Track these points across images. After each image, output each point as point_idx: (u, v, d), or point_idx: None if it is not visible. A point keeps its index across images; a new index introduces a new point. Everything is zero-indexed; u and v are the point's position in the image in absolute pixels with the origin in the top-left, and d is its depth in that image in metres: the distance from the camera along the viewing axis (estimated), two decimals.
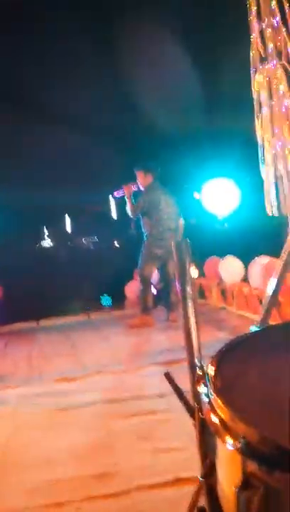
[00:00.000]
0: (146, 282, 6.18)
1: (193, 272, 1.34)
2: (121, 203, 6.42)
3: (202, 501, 1.27)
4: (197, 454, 2.66)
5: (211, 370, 0.97)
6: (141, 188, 6.18)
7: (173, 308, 6.19)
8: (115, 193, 6.32)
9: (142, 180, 6.17)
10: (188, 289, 1.27)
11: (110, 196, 10.16)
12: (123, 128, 9.05)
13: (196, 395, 1.19)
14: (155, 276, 6.73)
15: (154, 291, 7.14)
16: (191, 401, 1.23)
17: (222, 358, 1.04)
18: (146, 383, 3.95)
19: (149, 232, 6.10)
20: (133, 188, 6.20)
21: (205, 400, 0.94)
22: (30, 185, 9.43)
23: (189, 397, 1.31)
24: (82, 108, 8.76)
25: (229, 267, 6.77)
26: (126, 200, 6.18)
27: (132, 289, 7.19)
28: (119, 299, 7.64)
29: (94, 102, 8.71)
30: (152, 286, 6.65)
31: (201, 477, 1.00)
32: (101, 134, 9.08)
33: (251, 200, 6.00)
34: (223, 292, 6.94)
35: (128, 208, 6.22)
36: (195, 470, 2.49)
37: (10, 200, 8.77)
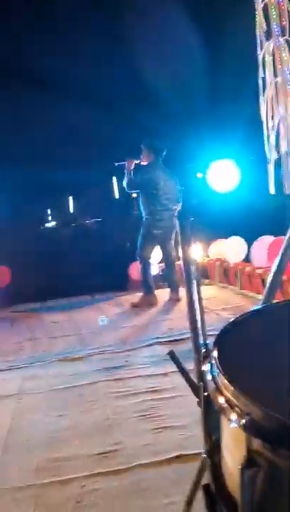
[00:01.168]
0: (146, 262, 6.18)
1: (197, 251, 1.33)
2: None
3: (206, 479, 1.27)
4: (199, 432, 2.68)
5: (215, 349, 0.96)
6: (144, 163, 6.13)
7: (176, 287, 6.19)
8: (116, 163, 6.27)
9: (145, 157, 6.12)
10: (192, 268, 1.26)
11: (113, 176, 10.11)
12: (127, 107, 8.96)
13: (201, 374, 1.18)
14: (157, 256, 6.73)
15: (157, 270, 7.14)
16: (195, 379, 1.22)
17: (226, 337, 1.03)
18: (148, 362, 3.97)
19: (147, 212, 6.07)
20: (136, 162, 6.16)
21: (210, 378, 0.94)
22: (33, 166, 9.37)
23: (193, 375, 1.30)
24: (85, 85, 8.65)
25: (233, 247, 6.76)
26: (125, 172, 6.14)
27: (135, 269, 7.18)
28: (122, 280, 7.65)
29: (99, 79, 8.59)
30: (153, 266, 6.65)
31: (205, 455, 0.99)
32: (106, 113, 8.99)
33: (254, 179, 5.95)
34: (226, 272, 6.94)
35: (124, 181, 6.19)
36: (198, 448, 2.51)
37: (13, 182, 8.73)
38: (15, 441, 2.88)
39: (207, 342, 1.02)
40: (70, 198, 13.76)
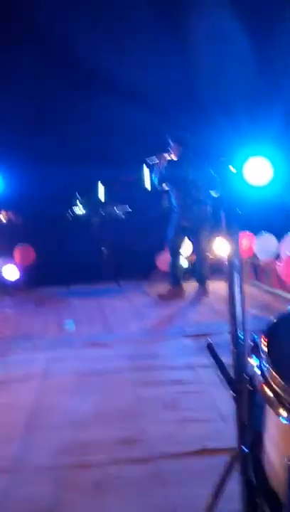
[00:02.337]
0: (175, 254, 6.16)
1: (225, 246, 1.31)
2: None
3: (234, 473, 1.26)
4: (223, 427, 2.68)
5: (264, 342, 0.95)
6: (175, 159, 6.09)
7: (204, 281, 6.15)
8: (149, 161, 6.25)
9: (174, 151, 6.08)
10: (236, 260, 1.24)
11: (144, 165, 10.09)
12: (160, 95, 8.90)
13: (242, 367, 1.16)
14: (188, 248, 6.69)
15: (186, 263, 7.10)
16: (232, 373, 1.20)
17: (275, 330, 1.01)
18: (175, 354, 3.96)
19: (177, 204, 6.04)
20: (168, 158, 6.12)
21: (257, 372, 0.92)
22: (65, 152, 9.42)
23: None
24: (118, 73, 8.61)
25: (264, 244, 6.66)
26: (155, 168, 6.11)
27: (163, 260, 7.15)
28: (149, 270, 7.64)
29: (131, 67, 8.55)
30: (183, 259, 6.62)
31: (247, 449, 0.98)
32: (138, 101, 8.95)
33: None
34: (256, 268, 6.86)
35: (154, 176, 6.18)
36: (222, 441, 2.52)
37: (44, 167, 8.78)
38: (38, 422, 2.91)
39: (255, 336, 1.00)
40: (100, 186, 13.79)
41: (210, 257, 7.04)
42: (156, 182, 6.18)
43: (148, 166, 6.32)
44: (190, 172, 5.97)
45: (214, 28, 7.56)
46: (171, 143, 6.08)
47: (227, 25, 7.25)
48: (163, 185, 6.14)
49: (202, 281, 6.16)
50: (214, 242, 7.21)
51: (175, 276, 6.15)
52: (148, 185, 11.21)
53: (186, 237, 6.23)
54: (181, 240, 6.18)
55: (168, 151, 6.11)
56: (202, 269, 6.20)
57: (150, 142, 6.68)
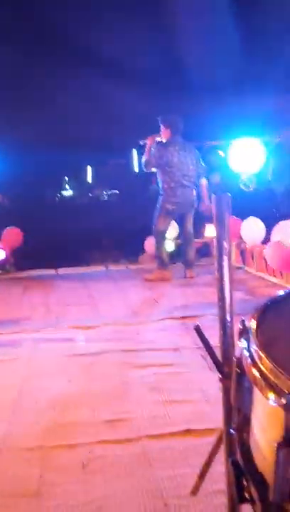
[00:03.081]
0: (160, 237, 6.15)
1: (212, 231, 1.31)
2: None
3: (221, 453, 1.27)
4: (208, 408, 2.71)
5: (253, 325, 0.95)
6: (164, 141, 6.06)
7: (191, 264, 6.17)
8: (140, 142, 6.22)
9: (163, 133, 6.04)
10: (225, 244, 1.24)
11: (133, 149, 10.03)
12: (150, 77, 8.82)
13: (229, 349, 1.17)
14: (173, 231, 6.70)
15: (172, 246, 7.11)
16: (219, 355, 1.21)
17: (264, 313, 1.01)
18: (160, 336, 3.98)
19: (162, 187, 6.02)
20: (157, 139, 6.08)
21: (245, 354, 0.93)
22: (54, 135, 9.33)
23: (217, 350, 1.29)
24: (109, 60, 8.52)
25: (251, 229, 6.69)
26: (146, 150, 6.07)
27: (151, 243, 7.16)
28: (137, 252, 7.64)
29: (123, 54, 8.46)
30: (169, 242, 6.63)
31: (234, 430, 0.99)
32: (129, 86, 8.87)
33: (279, 161, 5.85)
34: (242, 252, 6.89)
35: (143, 160, 6.14)
36: (207, 423, 2.55)
37: (33, 150, 8.70)
38: (25, 403, 2.92)
39: (244, 318, 1.01)
40: (89, 169, 13.72)
41: (198, 240, 7.06)
42: (143, 164, 6.15)
43: (139, 147, 6.26)
44: (176, 155, 5.94)
45: (202, 9, 7.49)
46: (161, 125, 6.04)
47: (216, 6, 7.18)
48: (150, 167, 6.10)
49: (188, 265, 6.18)
50: (202, 226, 7.23)
51: (161, 259, 6.16)
52: (136, 168, 11.18)
53: (173, 221, 6.23)
54: (166, 223, 6.16)
55: (158, 133, 6.08)
56: (189, 253, 6.21)
57: (139, 125, 6.63)
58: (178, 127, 6.03)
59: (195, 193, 6.09)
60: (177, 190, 5.95)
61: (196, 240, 6.63)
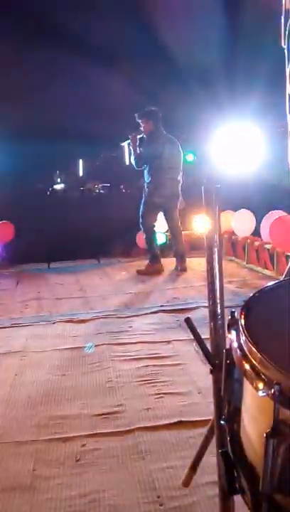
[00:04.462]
0: (149, 231, 6.13)
1: (205, 223, 1.31)
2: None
3: (213, 445, 1.28)
4: (200, 400, 2.72)
5: (242, 317, 0.96)
6: (145, 136, 6.02)
7: (182, 257, 6.17)
8: (121, 143, 6.19)
9: (145, 127, 6.00)
10: (215, 236, 1.24)
11: (125, 142, 9.99)
12: (141, 68, 8.78)
13: (219, 341, 1.18)
14: (165, 224, 6.70)
15: (164, 239, 7.12)
16: (210, 347, 1.21)
17: (253, 305, 1.02)
18: (152, 329, 3.99)
19: (150, 181, 5.99)
20: (139, 136, 6.04)
21: (234, 345, 0.93)
22: (45, 127, 9.29)
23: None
24: (99, 44, 8.46)
25: (241, 220, 6.71)
26: (131, 150, 6.03)
27: (142, 236, 7.16)
28: (129, 246, 7.64)
29: (114, 44, 8.41)
30: (160, 235, 6.63)
31: (224, 421, 0.99)
32: (119, 75, 8.83)
33: (273, 152, 5.83)
34: (233, 244, 6.91)
35: (132, 159, 6.10)
36: (198, 415, 2.56)
37: (24, 142, 8.65)
38: (17, 397, 2.92)
39: (233, 310, 1.01)
40: (80, 162, 13.67)
41: (190, 232, 7.07)
42: (135, 164, 6.08)
43: (126, 136, 6.19)
44: (164, 148, 5.91)
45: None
46: (140, 120, 5.98)
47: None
48: (142, 164, 6.05)
49: (179, 257, 6.17)
50: (192, 218, 7.24)
51: (153, 252, 6.16)
52: (127, 160, 11.13)
53: (161, 213, 6.22)
54: (155, 217, 6.13)
55: (139, 131, 6.03)
56: (178, 245, 6.19)
57: (131, 118, 6.59)
58: (159, 119, 5.99)
59: (180, 185, 6.09)
60: (166, 183, 5.95)
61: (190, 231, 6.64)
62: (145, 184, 6.09)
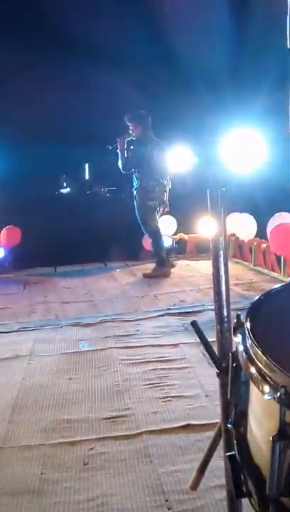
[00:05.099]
0: (156, 235, 6.10)
1: (211, 226, 1.31)
2: None
3: (221, 447, 1.28)
4: (207, 404, 2.72)
5: (248, 320, 0.95)
6: (134, 139, 5.97)
7: (163, 261, 6.12)
8: (109, 146, 6.10)
9: (134, 131, 5.95)
10: (221, 239, 1.24)
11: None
12: (147, 72, 8.79)
13: (226, 344, 1.18)
14: (171, 228, 6.68)
15: (170, 242, 7.12)
16: (216, 350, 1.21)
17: (258, 308, 1.02)
18: (159, 332, 3.98)
19: (139, 185, 5.94)
20: (127, 139, 5.98)
21: (240, 349, 0.93)
22: (52, 131, 9.32)
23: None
24: (105, 47, 8.48)
25: (243, 223, 6.70)
26: (119, 153, 5.95)
27: (148, 240, 7.16)
28: (135, 249, 7.63)
29: (117, 41, 8.41)
30: (166, 238, 6.62)
31: (231, 425, 0.99)
32: (125, 79, 8.84)
33: (277, 153, 5.82)
34: (240, 247, 6.90)
35: (119, 163, 6.02)
36: (205, 419, 2.56)
37: (31, 147, 8.68)
38: (25, 401, 2.92)
39: (239, 313, 1.01)
40: (86, 166, 13.70)
41: (196, 235, 7.06)
42: (122, 168, 6.01)
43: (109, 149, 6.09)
44: (153, 152, 5.88)
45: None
46: (128, 123, 5.94)
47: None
48: (129, 168, 5.98)
49: (160, 262, 6.11)
50: (198, 221, 7.24)
51: (160, 255, 6.14)
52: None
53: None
54: (156, 220, 6.09)
55: (127, 134, 5.98)
56: (159, 250, 6.14)
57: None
58: (148, 123, 5.95)
59: (167, 190, 6.07)
60: (155, 187, 5.93)
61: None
62: (133, 189, 6.03)
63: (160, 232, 6.20)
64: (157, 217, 6.11)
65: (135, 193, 6.03)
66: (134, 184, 6.02)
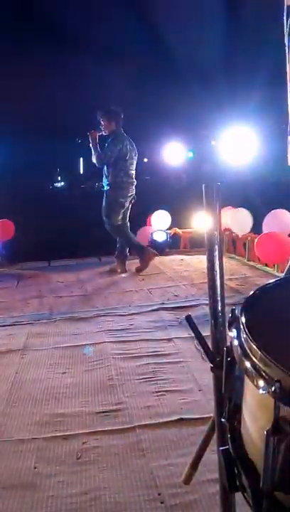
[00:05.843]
0: (122, 230, 6.03)
1: (206, 220, 1.30)
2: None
3: (214, 442, 1.28)
4: (200, 398, 2.72)
5: (243, 314, 0.95)
6: (105, 134, 5.88)
7: (125, 259, 6.14)
8: (78, 140, 6.03)
9: (106, 127, 5.86)
10: (216, 234, 1.23)
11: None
12: (140, 66, 8.78)
13: (220, 339, 1.18)
14: (166, 222, 6.66)
15: (165, 236, 7.12)
16: (210, 345, 1.21)
17: (253, 303, 1.02)
18: (153, 327, 3.98)
19: (114, 181, 5.85)
20: (99, 134, 5.89)
21: (235, 343, 0.93)
22: (46, 126, 9.30)
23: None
24: (100, 51, 8.46)
25: (238, 218, 6.71)
26: (92, 147, 5.86)
27: (142, 234, 7.15)
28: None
29: (111, 35, 8.39)
30: (161, 233, 6.60)
31: (224, 419, 0.99)
32: (119, 72, 8.82)
33: (273, 148, 5.83)
34: (234, 242, 6.91)
35: (93, 157, 5.93)
36: (199, 413, 2.56)
37: (25, 141, 8.66)
38: (18, 395, 2.92)
39: (234, 308, 1.01)
40: (81, 160, 13.68)
41: (191, 230, 7.06)
42: (97, 162, 5.92)
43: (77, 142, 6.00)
44: (128, 150, 5.82)
45: None
46: (100, 119, 5.87)
47: None
48: (103, 162, 5.87)
49: (140, 253, 6.07)
50: (193, 216, 7.24)
51: (135, 247, 6.08)
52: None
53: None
54: (121, 217, 5.99)
55: (99, 130, 5.89)
56: (131, 243, 6.12)
57: (132, 117, 6.57)
58: (121, 119, 5.88)
59: (134, 187, 6.03)
60: (129, 185, 5.90)
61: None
62: (104, 185, 5.95)
63: (123, 226, 6.07)
64: (122, 213, 6.06)
65: (107, 188, 5.94)
66: (106, 180, 5.94)
